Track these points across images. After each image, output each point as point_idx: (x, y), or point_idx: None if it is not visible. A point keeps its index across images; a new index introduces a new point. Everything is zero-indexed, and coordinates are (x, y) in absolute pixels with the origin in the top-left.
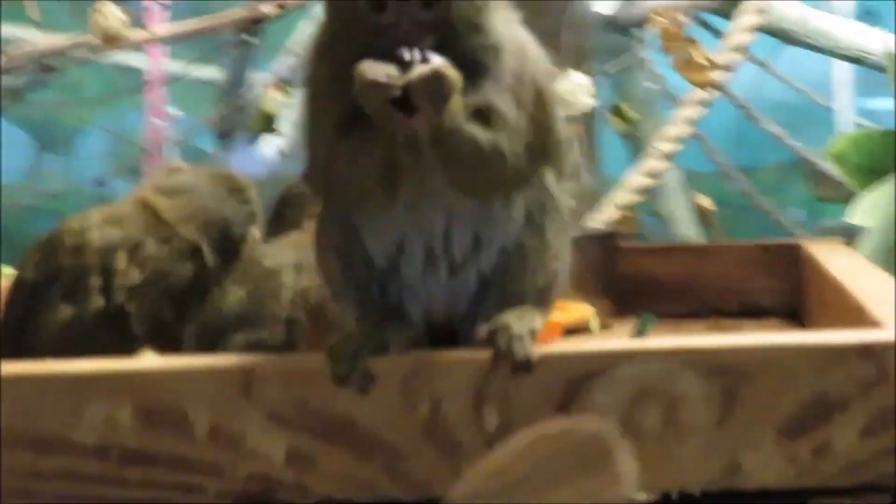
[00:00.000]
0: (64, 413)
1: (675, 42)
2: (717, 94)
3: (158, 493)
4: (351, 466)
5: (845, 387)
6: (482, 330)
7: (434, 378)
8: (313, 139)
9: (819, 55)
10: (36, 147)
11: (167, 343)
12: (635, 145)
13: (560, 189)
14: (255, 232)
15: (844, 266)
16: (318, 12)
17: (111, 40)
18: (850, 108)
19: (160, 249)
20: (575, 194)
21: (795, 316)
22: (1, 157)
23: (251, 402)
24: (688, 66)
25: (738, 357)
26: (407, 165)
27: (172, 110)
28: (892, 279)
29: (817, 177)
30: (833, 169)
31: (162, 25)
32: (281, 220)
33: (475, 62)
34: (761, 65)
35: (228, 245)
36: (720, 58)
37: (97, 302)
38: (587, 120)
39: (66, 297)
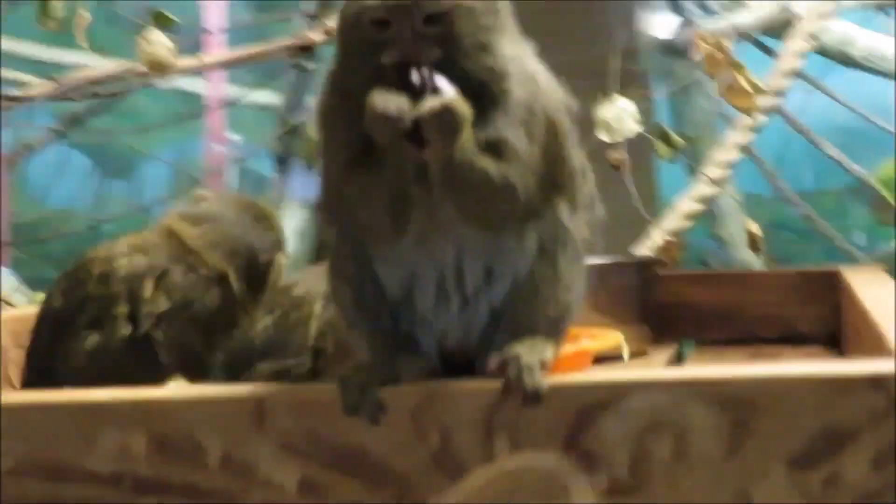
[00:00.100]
0: (78, 441)
1: (719, 67)
2: (766, 118)
3: None
4: (362, 495)
5: (856, 417)
6: (493, 360)
7: (444, 408)
8: (326, 169)
9: (879, 77)
10: (98, 172)
11: (196, 371)
12: (693, 169)
13: (574, 220)
14: (282, 259)
15: (876, 294)
16: None
17: (159, 68)
18: None
19: (186, 277)
20: (590, 224)
21: (836, 343)
22: (64, 183)
23: (264, 431)
24: (732, 92)
25: (747, 388)
26: (417, 198)
27: (231, 135)
28: None
29: (878, 201)
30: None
31: (211, 53)
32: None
33: (482, 85)
34: (820, 88)
35: (255, 273)
36: (769, 82)
37: (124, 330)
38: (642, 145)
39: (92, 325)
